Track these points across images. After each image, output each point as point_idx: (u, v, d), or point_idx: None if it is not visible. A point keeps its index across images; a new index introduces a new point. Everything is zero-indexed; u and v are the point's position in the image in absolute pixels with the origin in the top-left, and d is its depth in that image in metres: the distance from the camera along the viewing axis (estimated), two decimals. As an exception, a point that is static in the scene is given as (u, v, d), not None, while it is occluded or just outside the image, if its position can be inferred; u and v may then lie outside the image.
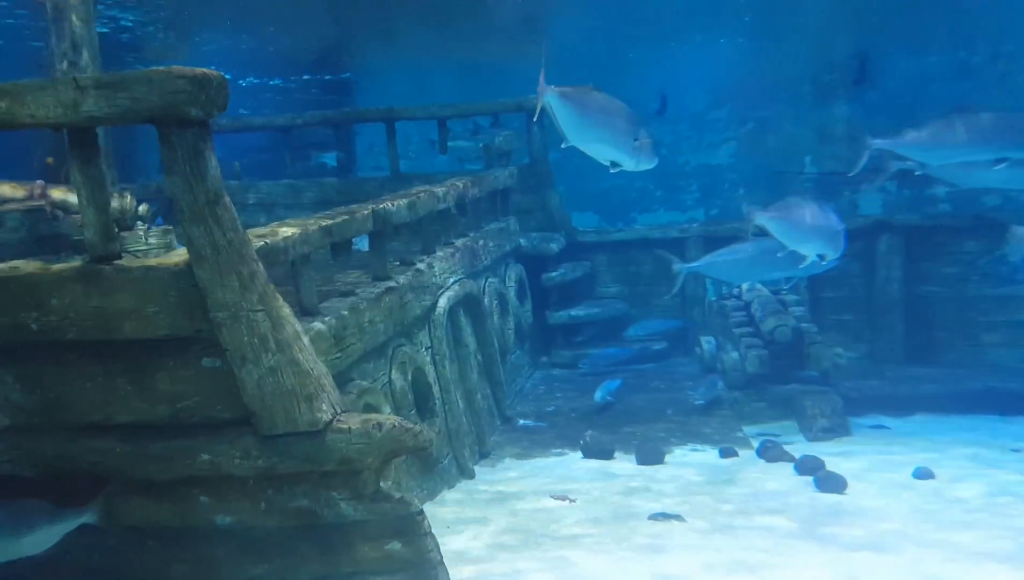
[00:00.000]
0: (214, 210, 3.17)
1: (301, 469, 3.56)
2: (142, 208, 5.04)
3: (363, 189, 9.44)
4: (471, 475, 6.24)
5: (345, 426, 3.46)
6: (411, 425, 3.53)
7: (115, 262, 3.34)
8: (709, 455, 6.65)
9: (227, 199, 3.23)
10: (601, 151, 5.93)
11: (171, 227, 4.30)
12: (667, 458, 6.52)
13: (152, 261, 3.35)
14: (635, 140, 5.81)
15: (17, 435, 3.63)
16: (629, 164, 5.91)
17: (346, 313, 4.78)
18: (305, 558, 3.72)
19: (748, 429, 7.31)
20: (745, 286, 8.87)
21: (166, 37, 13.23)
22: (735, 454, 6.59)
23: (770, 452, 6.45)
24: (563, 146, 5.82)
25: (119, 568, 3.94)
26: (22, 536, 3.30)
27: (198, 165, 3.11)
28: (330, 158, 12.06)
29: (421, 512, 3.65)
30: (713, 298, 9.70)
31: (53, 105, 2.94)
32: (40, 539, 3.37)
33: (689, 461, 6.52)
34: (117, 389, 3.52)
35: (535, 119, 7.39)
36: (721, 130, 16.71)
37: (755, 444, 6.74)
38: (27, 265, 3.38)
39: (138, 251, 4.07)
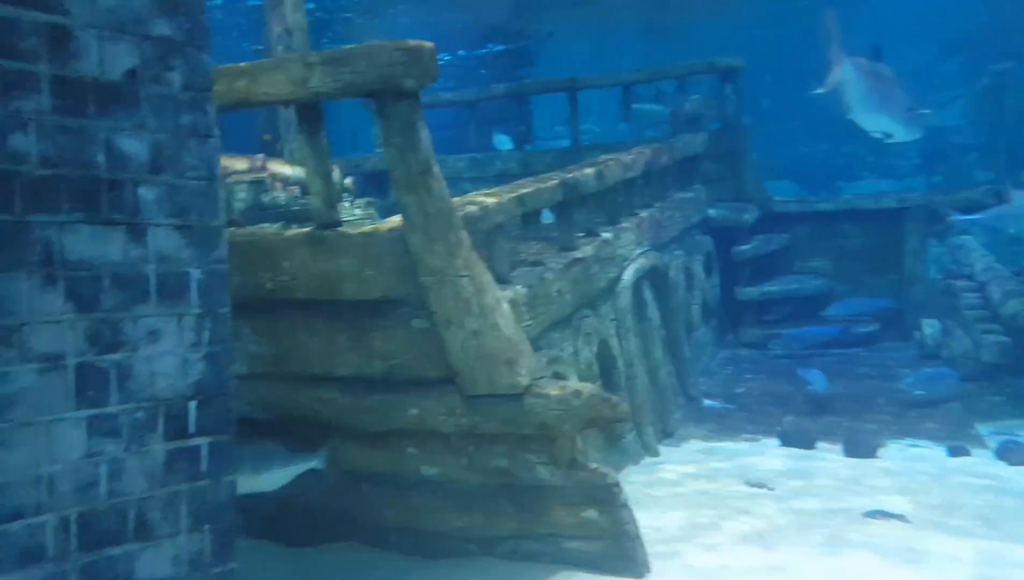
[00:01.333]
0: (425, 180, 3.30)
1: (501, 430, 3.67)
2: (347, 181, 5.40)
3: (543, 161, 9.47)
4: (655, 453, 6.11)
5: (544, 392, 3.50)
6: (609, 395, 3.51)
7: (337, 229, 3.60)
8: (934, 452, 5.96)
9: (437, 169, 3.35)
10: (879, 122, 5.58)
11: (373, 200, 4.57)
12: (880, 452, 5.95)
13: (369, 228, 3.57)
14: (910, 110, 5.40)
15: (253, 382, 4.07)
16: (903, 135, 5.51)
17: (535, 282, 4.84)
18: (504, 515, 3.85)
19: (982, 427, 6.48)
20: (979, 265, 7.83)
21: (353, 17, 13.98)
22: (966, 453, 5.86)
23: (1014, 454, 5.65)
24: (849, 117, 5.49)
25: (337, 507, 4.33)
26: (260, 474, 3.70)
27: (411, 136, 3.24)
28: (503, 137, 11.95)
29: (617, 483, 3.63)
30: (939, 277, 8.66)
31: (284, 82, 3.19)
32: (275, 478, 3.77)
33: (908, 457, 5.89)
34: (338, 345, 3.82)
35: (822, 91, 6.92)
36: (950, 87, 14.76)
37: (992, 444, 5.96)
38: (264, 231, 3.74)
39: (348, 221, 4.38)
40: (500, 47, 16.30)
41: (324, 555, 4.31)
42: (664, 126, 9.86)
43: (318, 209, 3.57)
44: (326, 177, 3.50)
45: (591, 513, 3.64)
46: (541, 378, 3.59)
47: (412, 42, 3.09)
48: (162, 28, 2.61)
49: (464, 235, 3.48)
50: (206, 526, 2.82)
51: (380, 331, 3.74)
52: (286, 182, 5.28)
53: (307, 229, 3.64)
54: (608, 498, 3.60)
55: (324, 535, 4.35)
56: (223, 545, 2.86)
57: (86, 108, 2.47)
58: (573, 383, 3.68)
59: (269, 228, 3.79)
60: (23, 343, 2.39)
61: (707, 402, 7.46)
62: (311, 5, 13.05)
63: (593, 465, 3.65)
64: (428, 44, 3.16)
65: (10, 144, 2.32)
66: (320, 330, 3.82)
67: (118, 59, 2.51)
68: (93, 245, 2.54)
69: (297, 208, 4.34)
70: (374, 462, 4.11)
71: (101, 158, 2.53)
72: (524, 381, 3.52)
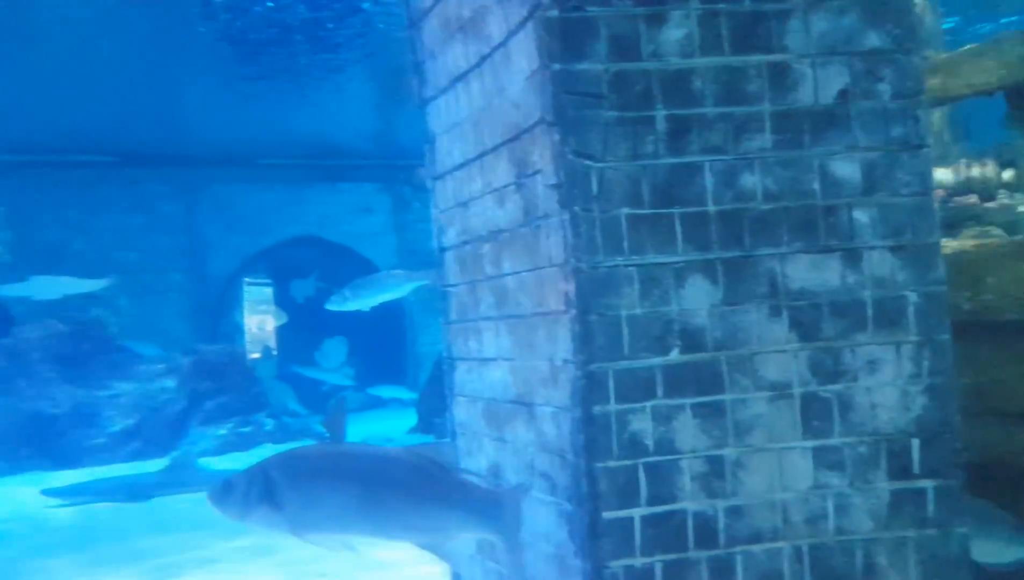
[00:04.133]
0: None
1: None
2: (1006, 174, 4.49)
3: None
4: None
5: None
6: None
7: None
8: None
9: None
10: None
11: None
12: None
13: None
14: None
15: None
16: None
17: None
18: None
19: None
20: None
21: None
22: None
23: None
24: None
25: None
26: (978, 537, 3.16)
27: None
28: None
29: None
30: None
31: (995, 68, 2.74)
32: (997, 550, 3.18)
33: None
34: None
35: None
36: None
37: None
38: (957, 242, 3.31)
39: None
40: None
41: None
42: None
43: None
44: (1048, 171, 2.90)
45: None
46: None
47: None
48: (872, 40, 2.49)
49: None
50: (937, 581, 2.50)
51: None
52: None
53: (1019, 237, 3.07)
54: None
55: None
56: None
57: (802, 138, 2.49)
58: None
59: (960, 240, 3.33)
60: (755, 372, 2.49)
61: None
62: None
63: None
64: None
65: (740, 183, 2.47)
66: (1037, 357, 3.16)
67: (830, 82, 2.48)
68: (812, 273, 2.52)
69: (944, 213, 3.75)
70: None
71: (816, 185, 2.51)
72: None
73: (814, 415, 2.52)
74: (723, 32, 2.42)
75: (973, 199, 4.26)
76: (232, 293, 14.53)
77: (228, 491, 2.31)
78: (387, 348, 14.64)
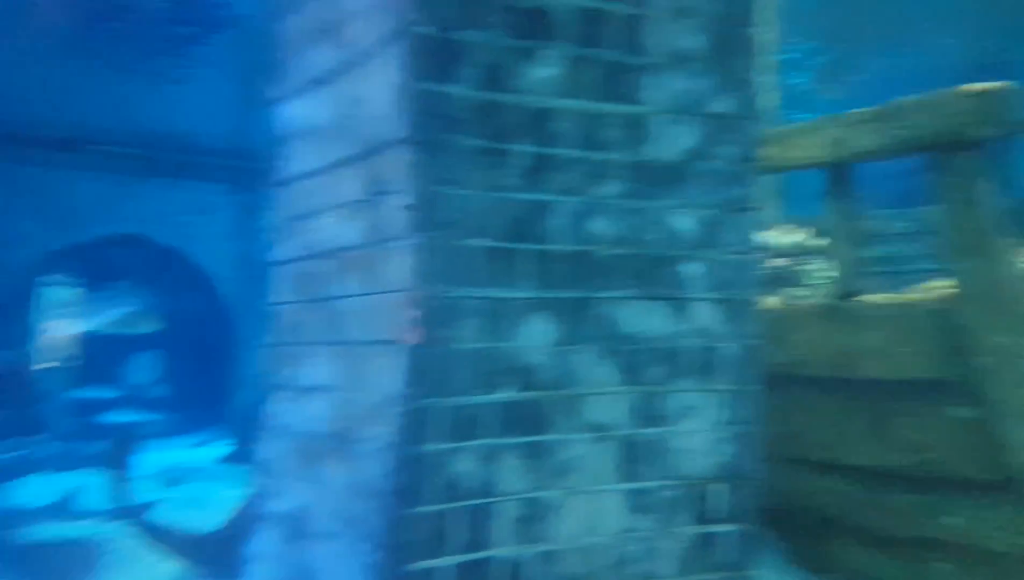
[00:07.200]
0: (989, 243, 2.76)
1: (1088, 561, 2.84)
2: (821, 242, 4.95)
3: None
4: None
5: None
6: None
7: (860, 298, 3.23)
8: None
9: (1003, 230, 2.78)
10: None
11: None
12: None
13: (904, 298, 3.13)
14: None
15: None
16: None
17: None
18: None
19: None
20: None
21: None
22: None
23: None
24: None
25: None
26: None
27: (973, 193, 2.75)
28: None
29: None
30: None
31: (819, 145, 2.98)
32: None
33: None
34: (853, 430, 3.40)
35: None
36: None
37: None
38: (773, 301, 3.55)
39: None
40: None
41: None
42: None
43: (841, 277, 3.25)
44: (853, 244, 3.18)
45: None
46: None
47: (983, 86, 2.63)
48: (720, 105, 2.61)
49: (1035, 309, 2.82)
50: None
51: (907, 418, 3.22)
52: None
53: (824, 300, 3.34)
54: None
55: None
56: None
57: (649, 189, 2.56)
58: None
59: (777, 298, 3.58)
60: (581, 413, 2.51)
61: None
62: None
63: None
64: (999, 85, 2.66)
65: (588, 227, 2.48)
66: (831, 411, 3.46)
67: (680, 139, 2.57)
68: (644, 319, 2.59)
69: (768, 273, 4.07)
70: (884, 571, 3.54)
71: (657, 236, 2.59)
72: None
73: (631, 458, 2.58)
74: (588, 78, 2.44)
75: (794, 262, 4.64)
76: (28, 292, 12.49)
77: None
78: (209, 366, 13.25)
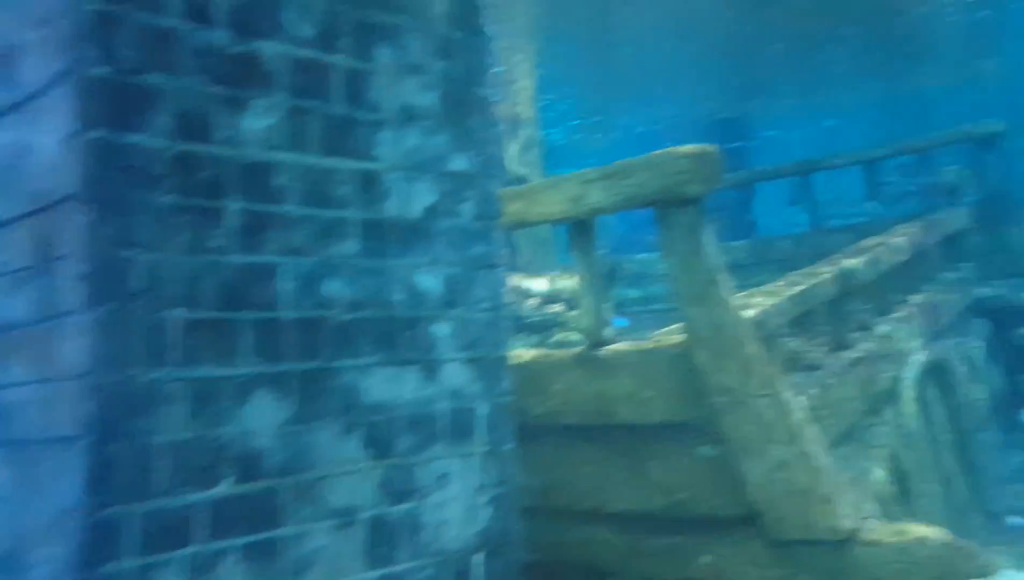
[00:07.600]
0: (713, 289, 2.96)
1: (822, 586, 3.07)
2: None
3: (776, 248, 8.81)
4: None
5: (875, 538, 2.89)
6: (964, 543, 2.81)
7: (610, 347, 3.33)
8: None
9: (725, 278, 3.00)
10: None
11: None
12: None
13: (647, 344, 3.26)
14: None
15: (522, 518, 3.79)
16: None
17: (818, 391, 4.22)
18: None
19: None
20: None
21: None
22: None
23: None
24: None
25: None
26: None
27: (695, 243, 2.93)
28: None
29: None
30: None
31: (561, 201, 3.04)
32: None
33: None
34: (612, 476, 3.48)
35: None
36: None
37: None
38: (529, 353, 3.56)
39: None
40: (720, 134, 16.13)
41: None
42: (909, 200, 8.90)
43: (589, 327, 3.33)
44: (599, 294, 3.27)
45: None
46: (866, 519, 2.98)
47: (697, 148, 2.83)
48: (459, 163, 2.55)
49: (758, 348, 3.06)
50: None
51: (660, 460, 3.36)
52: (526, 295, 5.20)
53: (577, 350, 3.40)
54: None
55: None
56: None
57: (389, 248, 2.43)
58: (913, 527, 3.01)
59: (532, 350, 3.61)
60: (322, 499, 2.28)
61: (1013, 519, 6.15)
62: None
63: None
64: (712, 148, 2.88)
65: (322, 290, 2.29)
66: (592, 459, 3.51)
67: (418, 196, 2.47)
68: (391, 386, 2.44)
69: (539, 319, 4.16)
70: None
71: (400, 297, 2.46)
72: (847, 523, 2.93)
73: (381, 541, 2.39)
74: (313, 131, 2.27)
75: (561, 307, 4.76)
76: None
77: None
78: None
